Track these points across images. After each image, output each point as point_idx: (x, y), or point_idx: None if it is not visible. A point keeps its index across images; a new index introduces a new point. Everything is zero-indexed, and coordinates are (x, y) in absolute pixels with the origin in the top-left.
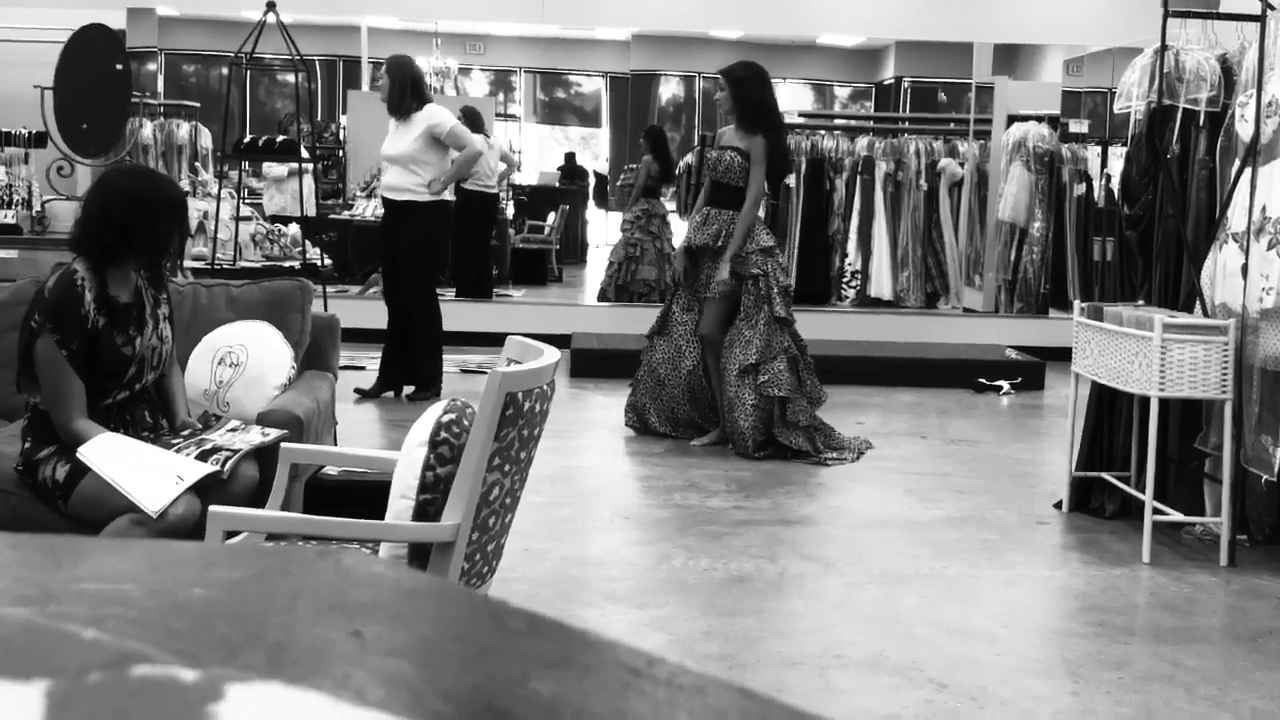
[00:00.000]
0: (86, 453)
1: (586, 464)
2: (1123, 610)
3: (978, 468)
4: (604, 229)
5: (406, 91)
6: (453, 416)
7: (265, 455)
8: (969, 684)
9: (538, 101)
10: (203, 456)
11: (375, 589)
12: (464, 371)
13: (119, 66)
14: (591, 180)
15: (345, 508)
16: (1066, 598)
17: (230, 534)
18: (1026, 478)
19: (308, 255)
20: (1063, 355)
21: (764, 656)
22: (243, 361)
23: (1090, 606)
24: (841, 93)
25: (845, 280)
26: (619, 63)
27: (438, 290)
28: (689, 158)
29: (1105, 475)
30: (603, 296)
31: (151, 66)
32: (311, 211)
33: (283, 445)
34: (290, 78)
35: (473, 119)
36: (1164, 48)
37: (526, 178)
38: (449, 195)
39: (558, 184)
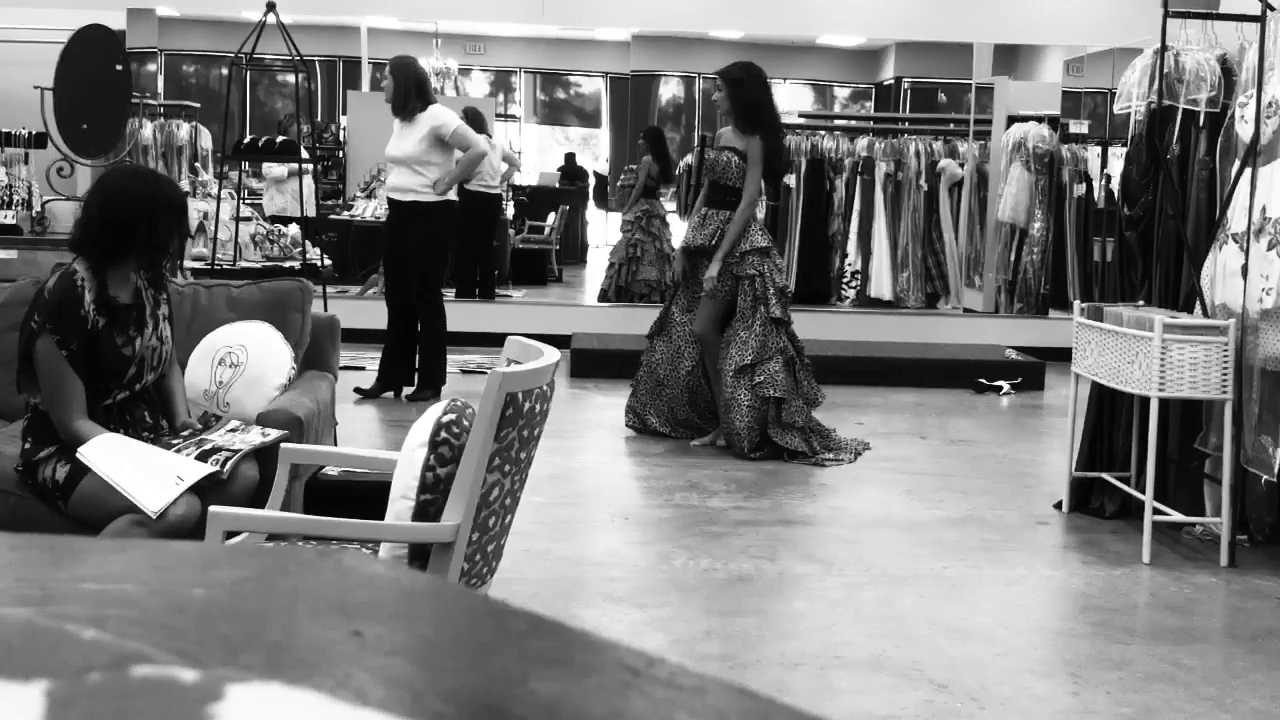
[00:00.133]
0: (86, 453)
1: (586, 464)
2: (1123, 610)
3: (978, 468)
4: (604, 229)
5: (411, 93)
6: (453, 417)
7: (265, 455)
8: (969, 684)
9: (538, 102)
10: (203, 457)
11: (375, 589)
12: (464, 372)
13: (119, 67)
14: (591, 181)
15: (345, 508)
16: (1067, 598)
17: (230, 534)
18: (1026, 478)
19: (308, 256)
20: (1063, 355)
21: (764, 657)
22: (243, 362)
23: (1090, 606)
24: (841, 93)
25: (845, 280)
26: (619, 63)
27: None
28: (689, 158)
29: (1105, 475)
30: (603, 297)
31: (151, 67)
32: (311, 212)
33: (283, 445)
34: (290, 78)
35: (475, 119)
36: (1164, 48)
37: (526, 178)
38: (453, 195)
39: (558, 184)
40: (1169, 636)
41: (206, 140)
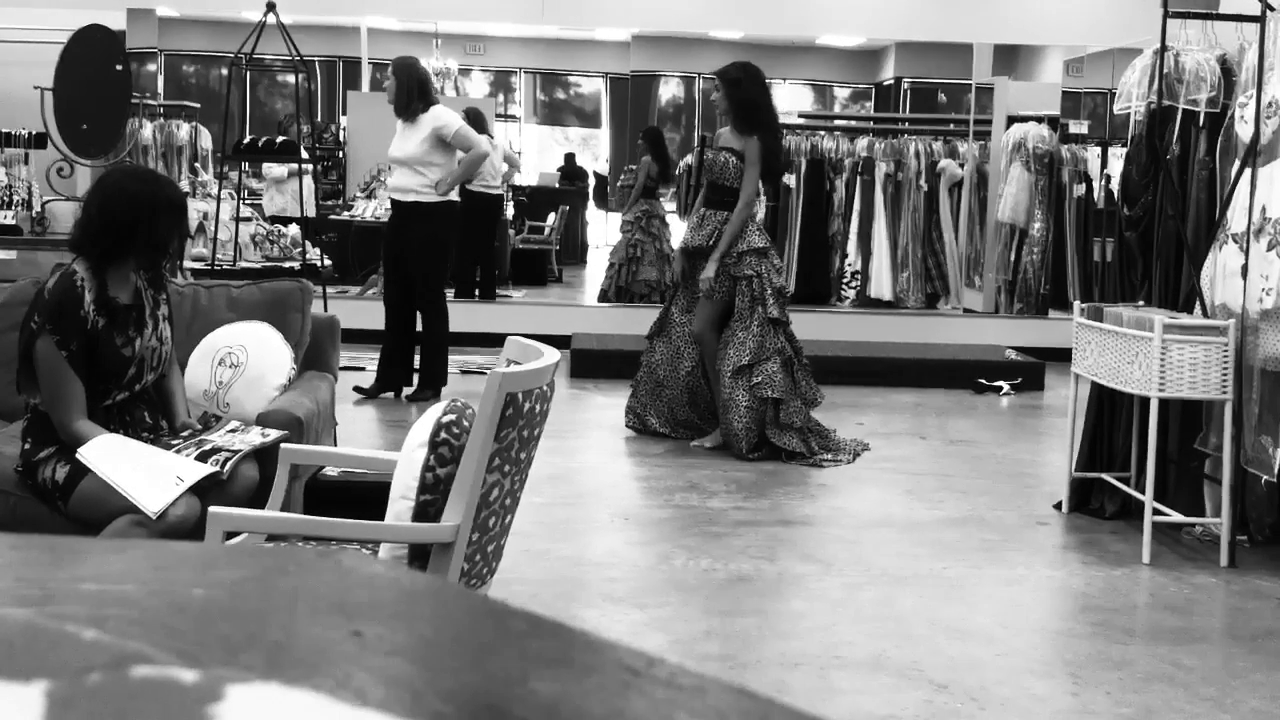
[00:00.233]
0: (86, 453)
1: (586, 465)
2: (1123, 610)
3: (978, 468)
4: (604, 230)
5: (414, 93)
6: (453, 417)
7: (265, 456)
8: (969, 684)
9: (537, 102)
10: (202, 457)
11: (375, 589)
12: (464, 372)
13: (119, 67)
14: (591, 181)
15: (345, 508)
16: (1066, 598)
17: (230, 534)
18: (1026, 478)
19: (308, 256)
20: (1062, 356)
21: (764, 657)
22: (243, 362)
23: (1090, 607)
24: (841, 93)
25: (845, 281)
26: (619, 63)
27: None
28: (689, 158)
29: (1105, 476)
30: (603, 297)
31: (151, 67)
32: (311, 212)
33: (283, 446)
34: (290, 78)
35: (476, 120)
36: (1164, 48)
37: (526, 178)
38: (454, 196)
39: (557, 185)
40: (1169, 637)
41: (206, 140)
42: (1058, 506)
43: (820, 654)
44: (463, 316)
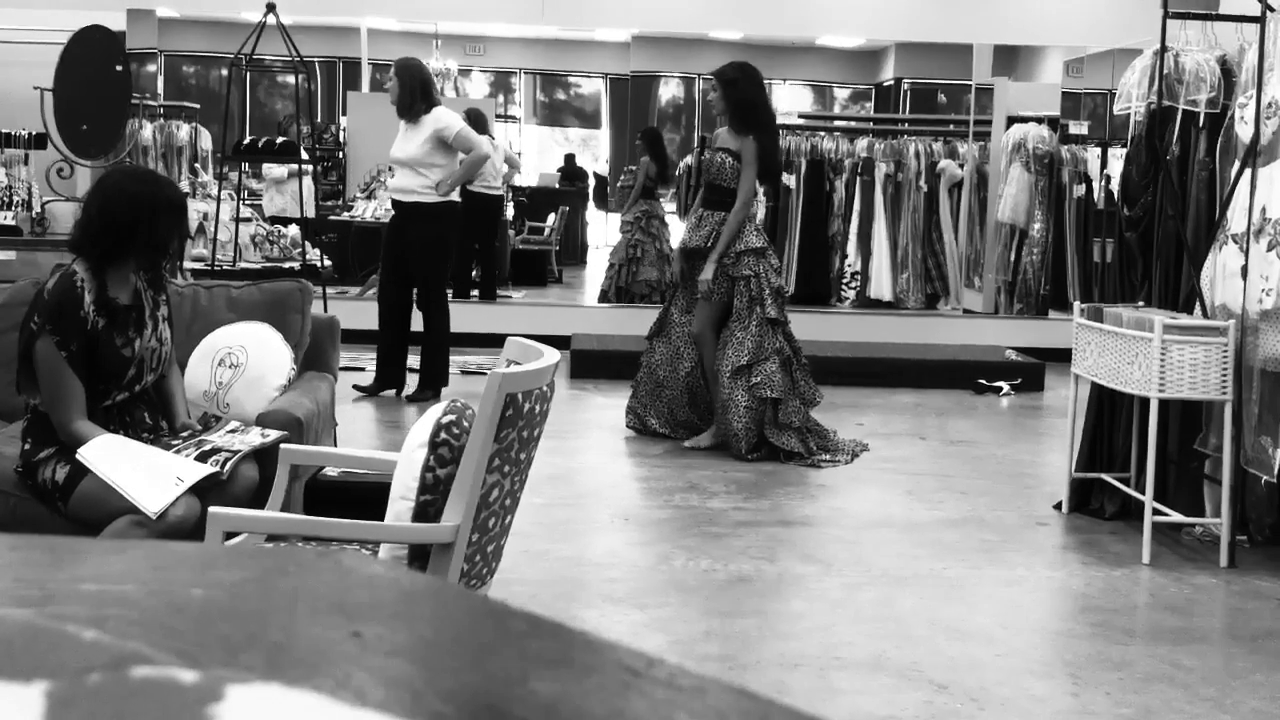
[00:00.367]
0: (86, 454)
1: (586, 465)
2: (1123, 611)
3: (978, 469)
4: (604, 230)
5: (416, 94)
6: (452, 418)
7: (265, 456)
8: (969, 685)
9: (537, 103)
10: (202, 458)
11: (375, 590)
12: (464, 372)
13: (119, 68)
14: (591, 181)
15: (345, 509)
16: (1066, 598)
17: (230, 535)
18: (1026, 479)
19: (307, 256)
20: (1062, 356)
21: (764, 657)
22: (242, 363)
23: (1090, 607)
24: (841, 94)
25: (845, 281)
26: (619, 64)
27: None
28: (689, 159)
29: (1105, 476)
30: (603, 298)
31: (151, 68)
32: (311, 213)
33: (282, 446)
34: (290, 79)
35: (477, 120)
36: (1164, 49)
37: (526, 179)
38: (455, 196)
39: (557, 185)
40: (1169, 637)
41: (206, 141)
42: (1058, 507)
43: (820, 654)
44: (463, 317)
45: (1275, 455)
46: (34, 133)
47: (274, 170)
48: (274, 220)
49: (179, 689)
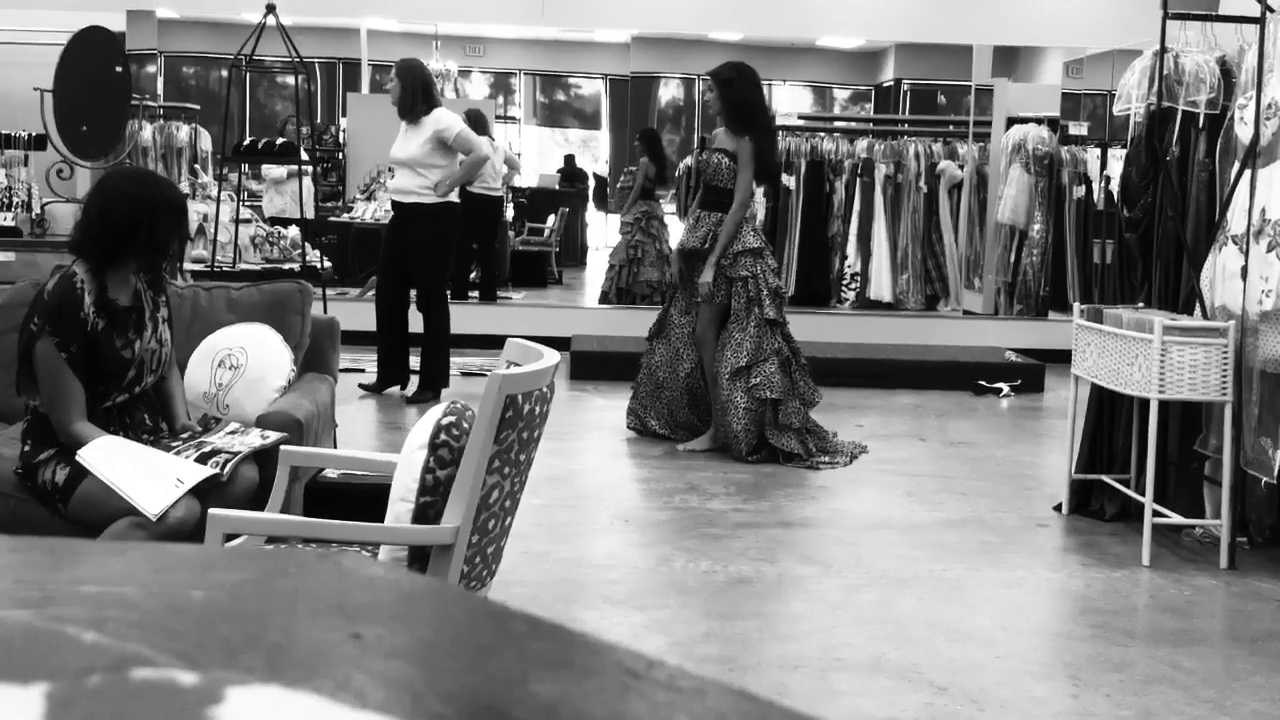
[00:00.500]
0: (86, 455)
1: (586, 466)
2: (1123, 612)
3: (977, 470)
4: (604, 231)
5: (418, 95)
6: (452, 419)
7: (265, 458)
8: (969, 686)
9: (537, 104)
10: (202, 459)
11: (375, 591)
12: (464, 374)
13: (119, 69)
14: (591, 182)
15: (345, 510)
16: (1066, 600)
17: (230, 536)
18: (1026, 480)
19: (307, 258)
20: (1062, 357)
21: (764, 659)
22: (242, 364)
23: (1090, 609)
24: (841, 95)
25: (845, 282)
26: (619, 65)
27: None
28: (689, 160)
29: (1105, 477)
30: (604, 299)
31: (151, 69)
32: (310, 214)
33: (282, 448)
34: (290, 80)
35: (477, 121)
36: (1163, 50)
37: (526, 180)
38: (454, 197)
39: (557, 186)
40: (1169, 639)
41: (206, 142)
42: (1057, 508)
43: (820, 656)
44: (462, 318)
45: (1275, 456)
46: (34, 134)
47: (273, 171)
48: (274, 221)
49: (179, 691)
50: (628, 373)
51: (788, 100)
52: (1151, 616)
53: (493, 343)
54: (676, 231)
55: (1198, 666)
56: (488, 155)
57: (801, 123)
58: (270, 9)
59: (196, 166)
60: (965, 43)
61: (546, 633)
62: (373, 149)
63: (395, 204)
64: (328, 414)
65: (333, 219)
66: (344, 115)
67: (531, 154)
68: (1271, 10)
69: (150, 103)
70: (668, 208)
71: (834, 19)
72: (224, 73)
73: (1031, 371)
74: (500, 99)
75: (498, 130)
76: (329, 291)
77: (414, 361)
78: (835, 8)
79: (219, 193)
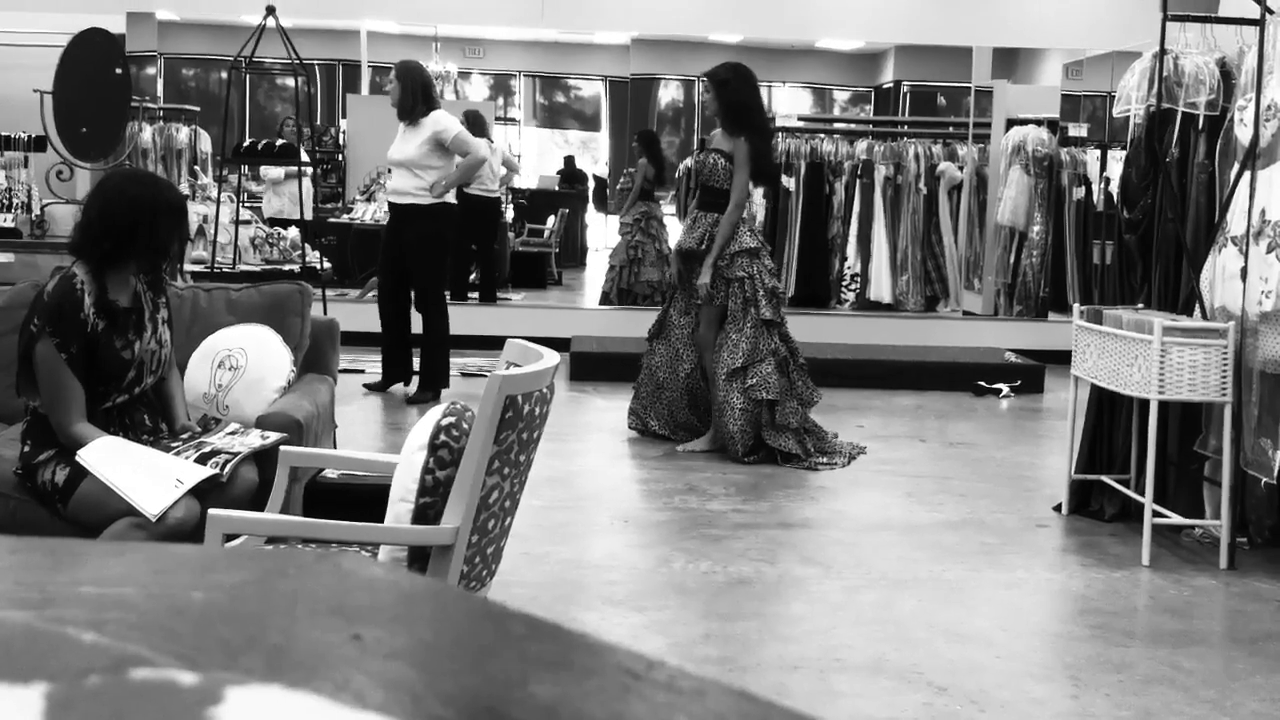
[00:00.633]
0: (86, 456)
1: (586, 467)
2: (1122, 613)
3: (977, 471)
4: (603, 232)
5: (418, 97)
6: (452, 420)
7: (265, 458)
8: (969, 687)
9: (537, 105)
10: (202, 460)
11: (374, 592)
12: (464, 374)
13: (119, 70)
14: (591, 184)
15: (345, 511)
16: (1066, 601)
17: (229, 537)
18: (1026, 481)
19: (307, 259)
20: (1062, 358)
21: (764, 660)
22: (242, 365)
23: (1090, 609)
24: (841, 96)
25: (845, 283)
26: (618, 67)
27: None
28: (688, 161)
29: (1105, 478)
30: (605, 300)
31: (151, 70)
32: (309, 215)
33: (282, 448)
34: (290, 82)
35: (476, 122)
36: (1163, 51)
37: (526, 181)
38: (451, 198)
39: (557, 188)
40: (1168, 639)
41: (206, 143)
42: (1057, 509)
43: (820, 657)
44: (462, 319)
45: (1275, 457)
46: (33, 135)
47: (270, 172)
48: (273, 222)
49: (178, 691)
50: (627, 374)
51: (787, 102)
52: (1151, 617)
53: (493, 344)
54: (676, 232)
55: (1197, 667)
56: (484, 158)
57: (801, 124)
58: (270, 11)
59: (196, 168)
60: (965, 44)
61: (546, 634)
62: (372, 150)
63: (392, 205)
64: (327, 415)
65: (332, 220)
66: (344, 117)
67: (531, 155)
68: (1271, 12)
69: (150, 104)
70: (667, 209)
71: (833, 21)
72: (224, 74)
73: (1031, 372)
74: (500, 100)
75: (497, 132)
76: (329, 292)
77: (417, 361)
78: (835, 9)
79: (219, 194)
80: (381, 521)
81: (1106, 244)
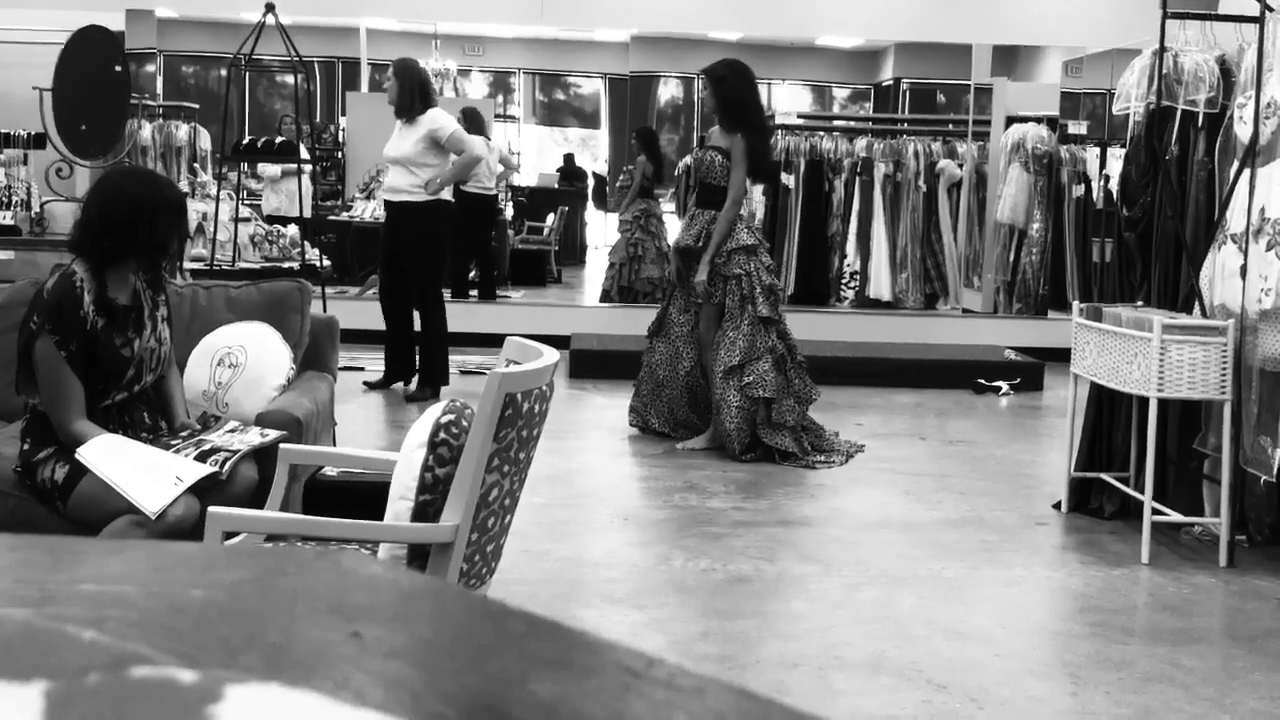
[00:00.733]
0: (85, 454)
1: (585, 465)
2: (1122, 611)
3: (977, 469)
4: (603, 230)
5: (415, 95)
6: (452, 417)
7: (264, 456)
8: (968, 685)
9: (537, 103)
10: (201, 457)
11: (374, 590)
12: (463, 372)
13: (118, 68)
14: (590, 181)
15: (344, 508)
16: (1066, 598)
17: (229, 535)
18: (1025, 479)
19: (306, 256)
20: (1062, 356)
21: (763, 658)
22: (242, 362)
23: (1089, 607)
24: (840, 94)
25: (844, 281)
26: (618, 64)
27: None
28: (688, 159)
29: (1104, 476)
30: (605, 298)
31: (150, 68)
32: (308, 212)
33: (282, 446)
34: (289, 79)
35: (473, 119)
36: (1163, 49)
37: (525, 179)
38: (448, 196)
39: (557, 185)
40: (1168, 637)
41: (205, 141)
42: (1057, 507)
43: (819, 655)
44: (462, 317)
45: (1274, 455)
46: (33, 133)
47: (268, 169)
48: (273, 220)
49: (178, 689)
50: (627, 371)
51: (787, 99)
52: (1151, 615)
53: (492, 341)
54: (675, 229)
55: (1197, 665)
56: (480, 156)
57: (801, 122)
58: (269, 8)
59: (196, 165)
60: (964, 42)
61: (546, 632)
62: (372, 148)
63: (388, 203)
64: (327, 412)
65: (332, 218)
66: (343, 114)
67: (531, 153)
68: (1271, 9)
69: (149, 102)
70: (666, 206)
71: (833, 18)
72: (223, 72)
73: (1031, 370)
74: (499, 98)
75: (497, 129)
76: (328, 290)
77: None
78: (834, 7)
79: (218, 192)
80: (381, 519)
81: (1106, 242)
